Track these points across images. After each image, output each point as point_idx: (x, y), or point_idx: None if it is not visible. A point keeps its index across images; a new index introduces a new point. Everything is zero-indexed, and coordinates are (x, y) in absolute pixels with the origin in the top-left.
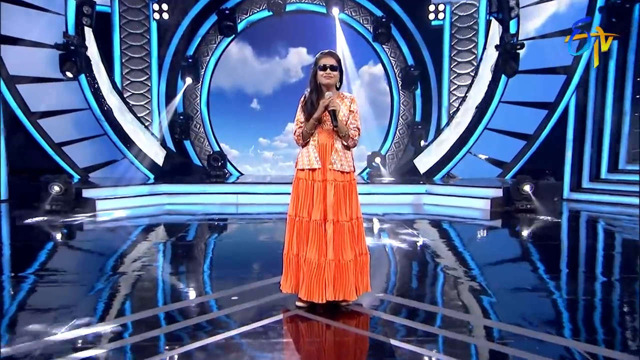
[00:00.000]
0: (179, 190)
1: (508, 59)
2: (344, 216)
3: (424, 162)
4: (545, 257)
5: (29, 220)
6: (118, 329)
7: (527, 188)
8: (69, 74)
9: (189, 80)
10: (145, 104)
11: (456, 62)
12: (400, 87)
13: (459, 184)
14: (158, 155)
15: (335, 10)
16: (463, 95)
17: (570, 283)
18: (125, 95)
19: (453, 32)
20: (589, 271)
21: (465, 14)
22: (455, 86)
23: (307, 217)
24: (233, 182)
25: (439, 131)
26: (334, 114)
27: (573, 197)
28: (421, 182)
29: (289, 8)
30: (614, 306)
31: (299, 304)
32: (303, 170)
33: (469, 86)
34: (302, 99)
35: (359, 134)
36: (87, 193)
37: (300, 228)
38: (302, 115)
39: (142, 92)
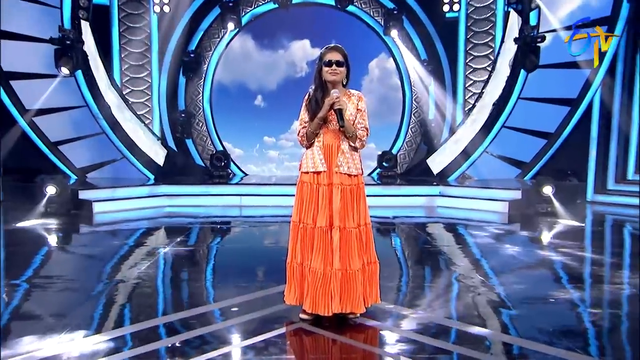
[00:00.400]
0: (179, 192)
1: (528, 52)
2: (351, 222)
3: (437, 162)
4: (568, 265)
5: (22, 224)
6: (109, 342)
7: (547, 190)
8: (65, 70)
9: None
10: (145, 101)
11: (472, 57)
12: (412, 83)
13: (475, 185)
14: (158, 155)
15: None
16: (479, 91)
17: (595, 294)
18: (124, 92)
19: (469, 24)
20: (615, 281)
21: (482, 5)
22: (471, 82)
23: (311, 224)
24: (237, 183)
25: (453, 129)
26: (340, 113)
27: (597, 200)
28: (434, 184)
29: (295, 0)
30: None
31: (303, 316)
32: (307, 173)
33: (486, 82)
34: (306, 97)
35: (367, 134)
36: (83, 194)
37: (304, 235)
38: (306, 114)
39: (142, 88)
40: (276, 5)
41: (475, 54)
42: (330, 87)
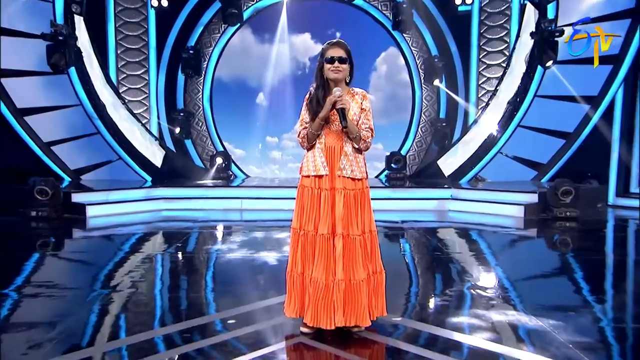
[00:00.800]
0: (177, 195)
1: (545, 47)
2: (355, 229)
3: (449, 164)
4: (589, 273)
5: (12, 228)
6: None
7: (566, 193)
8: (58, 67)
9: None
10: (142, 99)
11: (486, 52)
12: (422, 80)
13: (489, 188)
14: (156, 156)
15: None
16: (493, 89)
17: (618, 307)
18: (120, 90)
19: (482, 18)
20: None
21: None
22: (485, 79)
23: (313, 231)
24: (237, 186)
25: (465, 129)
26: (342, 113)
27: (619, 204)
28: (446, 186)
29: None
30: None
31: (303, 330)
32: (308, 177)
33: (500, 79)
34: (307, 96)
35: (372, 135)
36: (76, 197)
37: (305, 243)
38: (307, 114)
39: (139, 86)
40: None
41: (489, 49)
42: (333, 85)
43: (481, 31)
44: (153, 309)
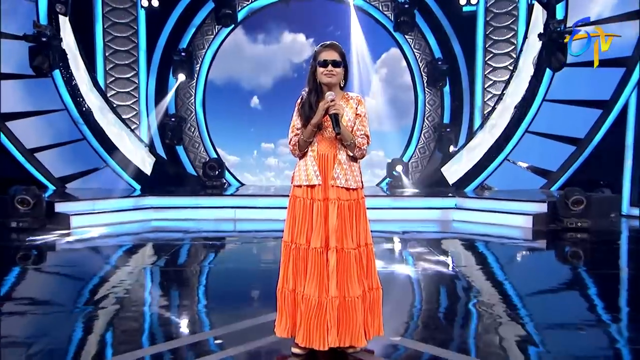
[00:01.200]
0: (167, 204)
1: (554, 49)
2: (349, 243)
3: (453, 171)
4: (603, 289)
5: None
6: None
7: (577, 202)
8: (41, 70)
9: (181, 77)
10: (131, 103)
11: (492, 54)
12: (425, 84)
13: (495, 197)
14: (145, 163)
15: None
16: (500, 92)
17: (635, 326)
18: (108, 94)
19: (488, 18)
20: None
21: None
22: (491, 82)
23: (305, 244)
24: (231, 195)
25: (471, 135)
26: (335, 119)
27: (634, 213)
28: (450, 195)
29: None
30: None
31: (295, 350)
32: (300, 187)
33: (507, 82)
34: (299, 100)
35: (367, 143)
36: (60, 207)
37: (297, 257)
38: (298, 120)
39: (128, 90)
40: None
41: (496, 51)
42: (326, 89)
43: (487, 32)
44: (140, 326)
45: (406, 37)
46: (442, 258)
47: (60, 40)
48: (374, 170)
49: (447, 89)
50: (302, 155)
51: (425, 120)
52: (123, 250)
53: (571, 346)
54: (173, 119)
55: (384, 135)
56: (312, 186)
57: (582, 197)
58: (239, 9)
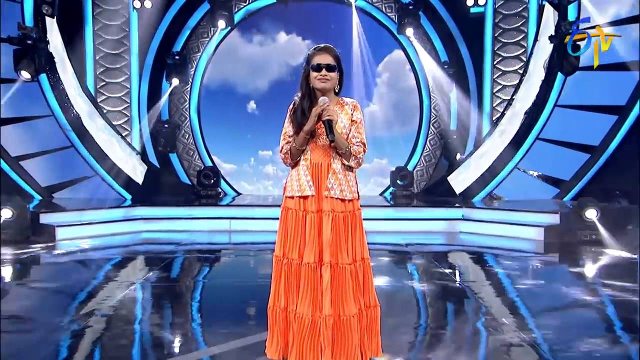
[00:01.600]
0: (159, 215)
1: (565, 52)
2: (345, 257)
3: (460, 180)
4: (620, 308)
5: None
6: None
7: (591, 213)
8: (26, 74)
9: (175, 81)
10: (123, 109)
11: (501, 58)
12: (430, 89)
13: (505, 207)
14: (137, 172)
15: None
16: (509, 97)
17: None
18: (98, 99)
19: (497, 20)
20: None
21: None
22: (500, 87)
23: (297, 259)
24: (227, 205)
25: (479, 142)
26: (329, 125)
27: None
28: (457, 205)
29: None
30: None
31: None
32: (292, 198)
33: (517, 87)
34: (291, 106)
35: (364, 151)
36: (45, 218)
37: (289, 273)
38: (290, 127)
39: (119, 95)
40: (274, 0)
41: (505, 54)
42: (319, 95)
43: (495, 35)
44: (129, 345)
45: (410, 39)
46: (448, 272)
47: (47, 42)
48: (377, 178)
49: (453, 93)
50: (295, 164)
51: (431, 126)
52: (111, 264)
53: None
54: (166, 125)
55: (387, 142)
56: (305, 197)
57: (597, 208)
58: (236, 10)
